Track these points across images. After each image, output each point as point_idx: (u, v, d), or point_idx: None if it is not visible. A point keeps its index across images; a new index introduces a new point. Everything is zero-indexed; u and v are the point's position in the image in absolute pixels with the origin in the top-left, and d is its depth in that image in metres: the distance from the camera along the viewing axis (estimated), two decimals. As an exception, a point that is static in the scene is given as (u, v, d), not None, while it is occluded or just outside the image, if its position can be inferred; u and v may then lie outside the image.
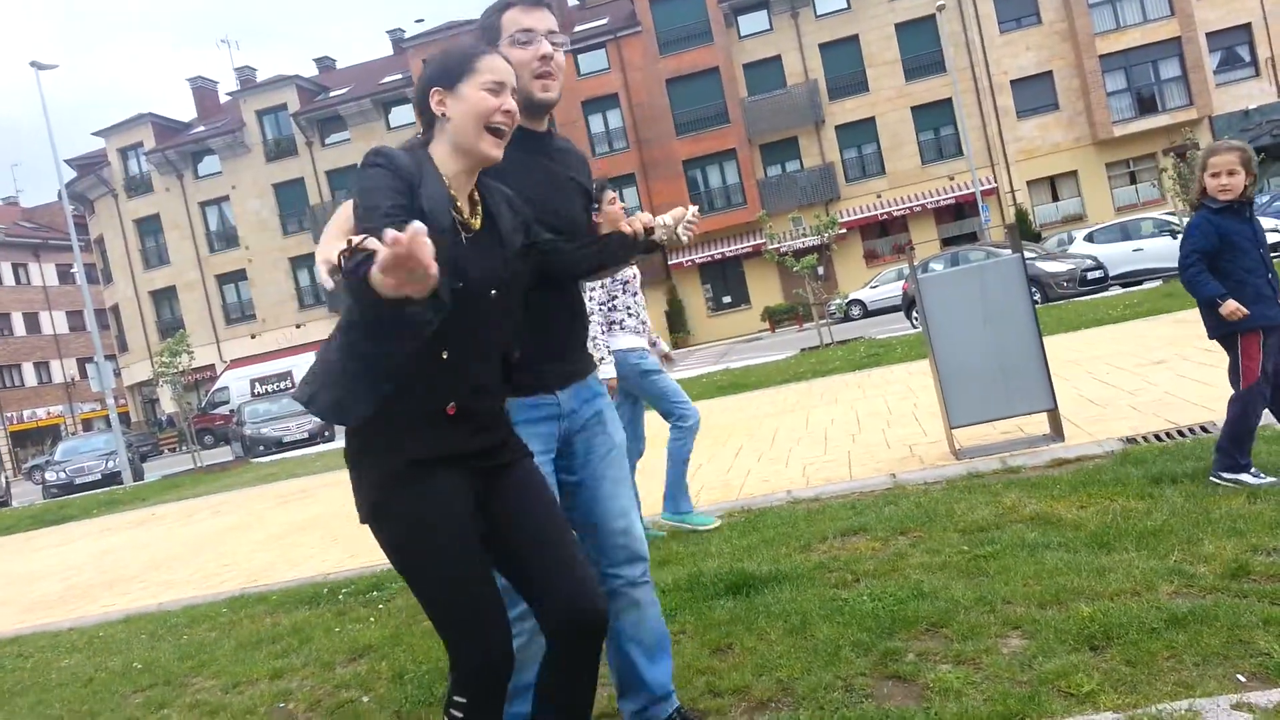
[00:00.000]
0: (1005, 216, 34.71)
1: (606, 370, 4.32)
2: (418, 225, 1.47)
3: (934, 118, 35.74)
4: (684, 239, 2.33)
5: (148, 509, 13.43)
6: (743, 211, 35.85)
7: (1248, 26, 33.71)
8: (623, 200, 4.58)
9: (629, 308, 4.58)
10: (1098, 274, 18.59)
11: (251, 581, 5.90)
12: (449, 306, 1.77)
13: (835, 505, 4.66)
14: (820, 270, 21.16)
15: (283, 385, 34.08)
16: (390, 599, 4.61)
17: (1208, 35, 33.70)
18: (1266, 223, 18.06)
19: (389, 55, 45.53)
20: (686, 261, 36.65)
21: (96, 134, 42.83)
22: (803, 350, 17.33)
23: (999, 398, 5.05)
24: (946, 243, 34.00)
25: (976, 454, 5.14)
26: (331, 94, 41.49)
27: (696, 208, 2.36)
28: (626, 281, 4.58)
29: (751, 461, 6.46)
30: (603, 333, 4.46)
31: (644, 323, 4.69)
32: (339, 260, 1.65)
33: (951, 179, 35.36)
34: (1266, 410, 3.86)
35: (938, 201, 35.13)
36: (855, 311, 28.84)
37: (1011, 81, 35.17)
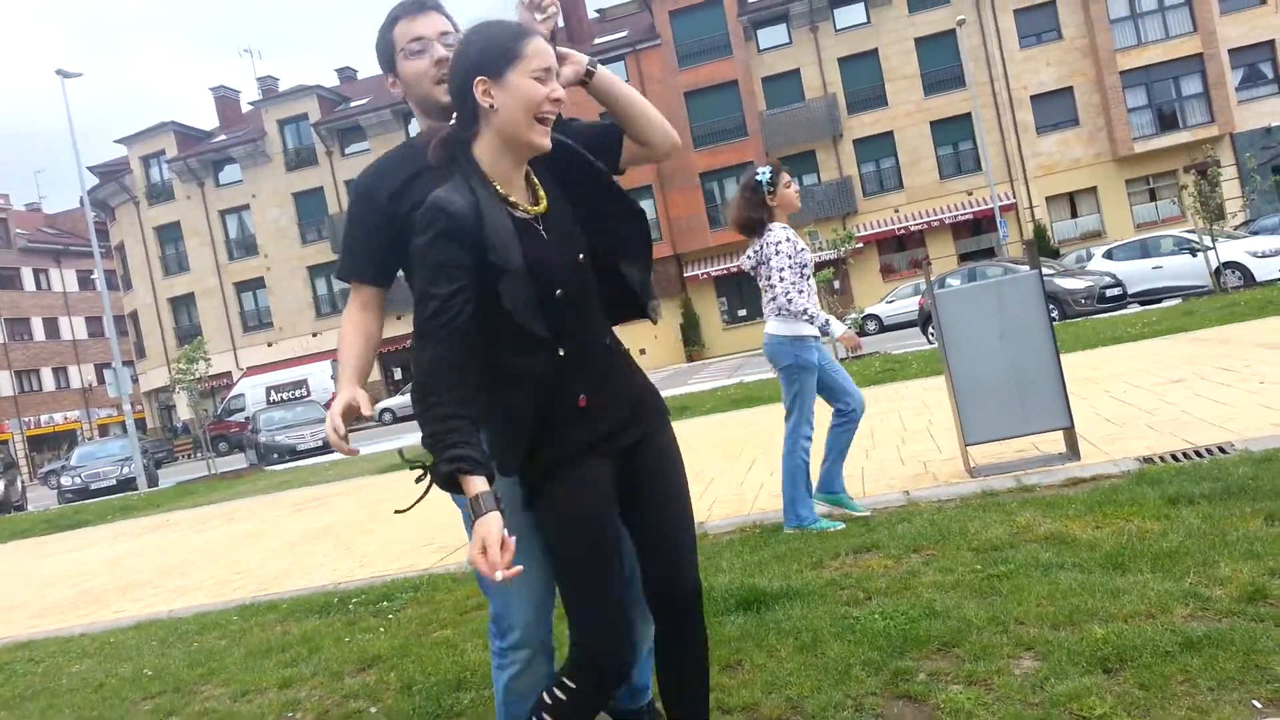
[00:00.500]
0: (1024, 232, 34.58)
1: (837, 327, 4.46)
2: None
3: (953, 133, 35.68)
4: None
5: (162, 515, 13.50)
6: (759, 225, 35.83)
7: (1270, 44, 33.54)
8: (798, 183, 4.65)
9: (803, 292, 4.54)
10: (1116, 291, 18.47)
11: (263, 589, 5.91)
12: (557, 359, 1.87)
13: (848, 521, 4.64)
14: (836, 284, 21.12)
15: (297, 393, 34.24)
16: (400, 609, 4.61)
17: (1230, 52, 33.54)
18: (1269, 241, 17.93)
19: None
20: (701, 274, 36.67)
21: (119, 141, 43.31)
22: (818, 364, 17.24)
23: (1015, 415, 5.01)
24: (964, 258, 33.91)
25: (991, 472, 5.10)
26: (352, 104, 41.80)
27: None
28: (804, 266, 4.55)
29: (764, 476, 6.44)
30: (776, 316, 4.54)
31: (815, 305, 4.60)
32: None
33: (970, 194, 35.27)
34: None
35: (955, 217, 35.03)
36: (871, 326, 28.75)
37: (1031, 97, 35.09)
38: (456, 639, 3.90)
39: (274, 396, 34.34)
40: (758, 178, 4.65)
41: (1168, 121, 34.05)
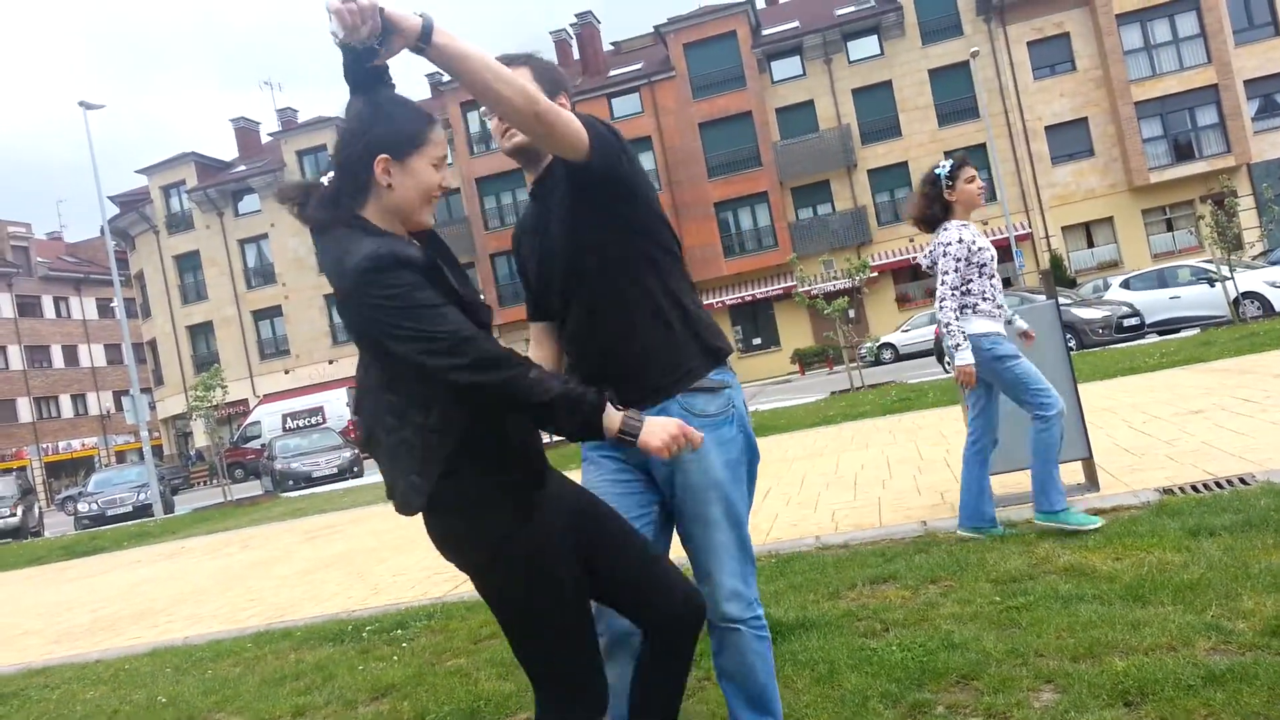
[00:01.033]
0: (1040, 262, 34.50)
1: (963, 357, 4.19)
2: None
3: (967, 163, 35.75)
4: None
5: (177, 542, 13.53)
6: (774, 254, 35.91)
7: (1286, 74, 33.55)
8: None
9: (984, 291, 4.29)
10: (1134, 321, 18.37)
11: (277, 617, 5.91)
12: None
13: (865, 552, 4.60)
14: (851, 313, 21.10)
15: (313, 420, 34.35)
16: (414, 638, 4.59)
17: (1246, 83, 33.53)
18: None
19: (427, 98, 46.37)
20: (717, 303, 36.70)
21: (140, 172, 43.90)
22: (833, 393, 17.23)
23: (1032, 445, 4.97)
24: (979, 288, 33.83)
25: (1009, 503, 5.06)
26: (370, 135, 42.23)
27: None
28: (984, 265, 4.31)
29: (780, 505, 6.40)
30: (956, 318, 4.27)
31: (999, 306, 4.36)
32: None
33: (985, 224, 35.23)
34: None
35: (971, 246, 35.03)
36: (887, 355, 28.68)
37: (1046, 128, 35.14)
38: (470, 668, 3.89)
39: (290, 424, 34.46)
40: (937, 171, 4.42)
41: (1183, 152, 34.01)
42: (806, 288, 20.92)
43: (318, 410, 35.52)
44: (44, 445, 50.92)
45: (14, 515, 25.43)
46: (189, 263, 42.96)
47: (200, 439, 40.63)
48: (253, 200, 41.89)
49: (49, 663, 5.77)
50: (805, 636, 3.42)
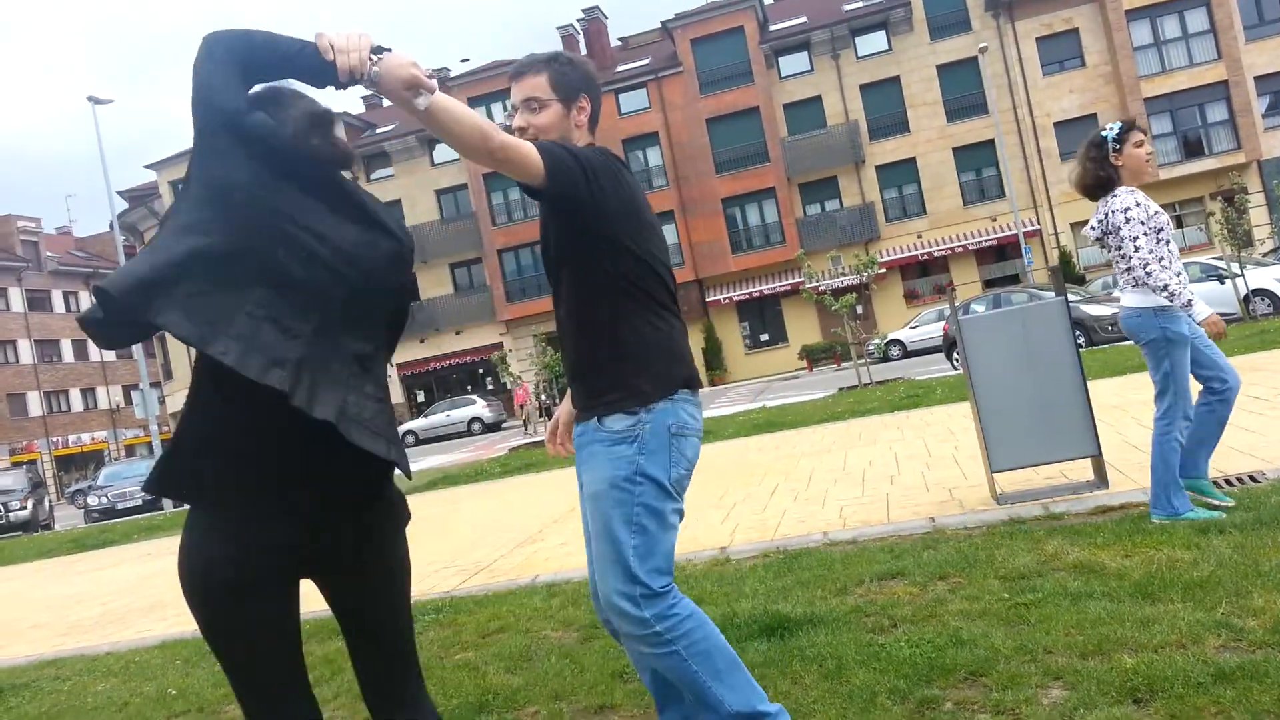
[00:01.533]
0: (1048, 258, 34.41)
1: (1202, 309, 3.97)
2: None
3: (976, 159, 35.64)
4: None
5: (187, 535, 13.54)
6: (781, 250, 35.86)
7: (1297, 71, 33.36)
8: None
9: (1162, 259, 4.04)
10: (1143, 318, 18.28)
11: (286, 610, 5.92)
12: None
13: (873, 548, 4.60)
14: (859, 309, 21.10)
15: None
16: (422, 632, 4.61)
17: (1256, 79, 33.35)
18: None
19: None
20: (724, 299, 36.69)
21: (149, 167, 44.00)
22: (841, 390, 17.22)
23: (1041, 442, 4.97)
24: (989, 284, 33.76)
25: (1018, 499, 5.06)
26: (378, 130, 42.29)
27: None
28: (1160, 229, 4.06)
29: (788, 501, 6.41)
30: (1132, 287, 4.07)
31: (1178, 274, 4.03)
32: None
33: (994, 220, 35.17)
34: None
35: (980, 242, 34.92)
36: (894, 352, 28.63)
37: (1055, 124, 35.02)
38: (478, 661, 3.90)
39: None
40: (1104, 133, 4.23)
41: (1193, 148, 33.85)
42: (814, 284, 20.89)
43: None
44: (54, 439, 51.12)
45: (24, 508, 25.57)
46: (198, 257, 43.02)
47: (208, 433, 40.73)
48: (260, 195, 42.00)
49: (60, 654, 5.80)
50: (813, 632, 3.42)
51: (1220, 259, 18.46)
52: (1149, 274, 3.99)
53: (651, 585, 2.24)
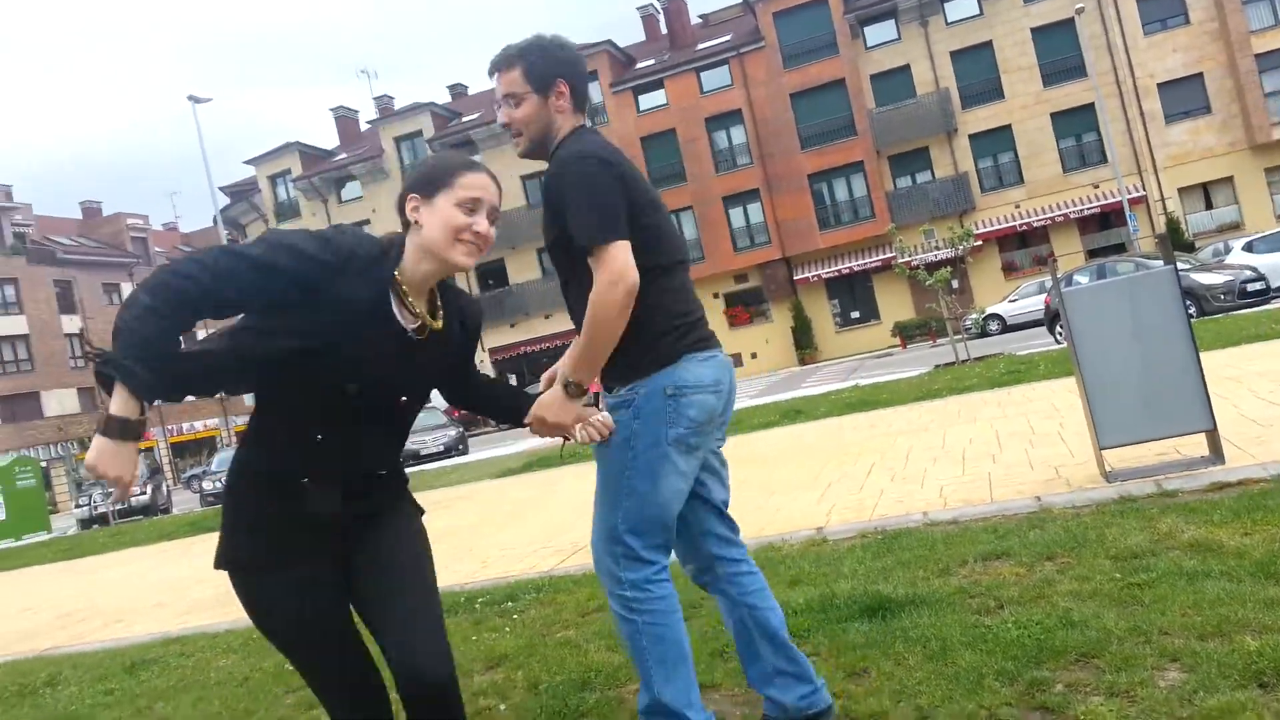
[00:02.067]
0: (1155, 226, 32.99)
1: None
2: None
3: (1075, 124, 34.33)
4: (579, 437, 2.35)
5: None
6: (871, 225, 35.23)
7: None
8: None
9: None
10: (1258, 286, 17.44)
11: (392, 590, 6.11)
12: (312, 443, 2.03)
13: (975, 528, 4.51)
14: (955, 284, 20.60)
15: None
16: (524, 610, 4.71)
17: (1382, 27, 31.31)
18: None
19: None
20: (813, 277, 36.24)
21: (248, 162, 45.54)
22: (937, 366, 16.86)
23: (1152, 417, 4.79)
24: (1092, 254, 32.55)
25: (1128, 476, 4.89)
26: (464, 119, 42.92)
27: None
28: None
29: (885, 481, 6.32)
30: None
31: None
32: None
33: (1096, 187, 33.86)
34: None
35: (1081, 211, 33.69)
36: (993, 326, 27.89)
37: (1158, 85, 33.48)
38: (579, 640, 3.97)
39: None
40: None
41: (1311, 104, 31.99)
42: (906, 258, 20.47)
43: (422, 390, 36.49)
44: (169, 427, 53.61)
45: (144, 493, 26.94)
46: (296, 250, 44.43)
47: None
48: (354, 187, 43.07)
49: (183, 632, 6.10)
50: (916, 613, 3.38)
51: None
52: None
53: (633, 547, 2.31)
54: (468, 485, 12.94)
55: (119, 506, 25.68)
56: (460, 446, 23.97)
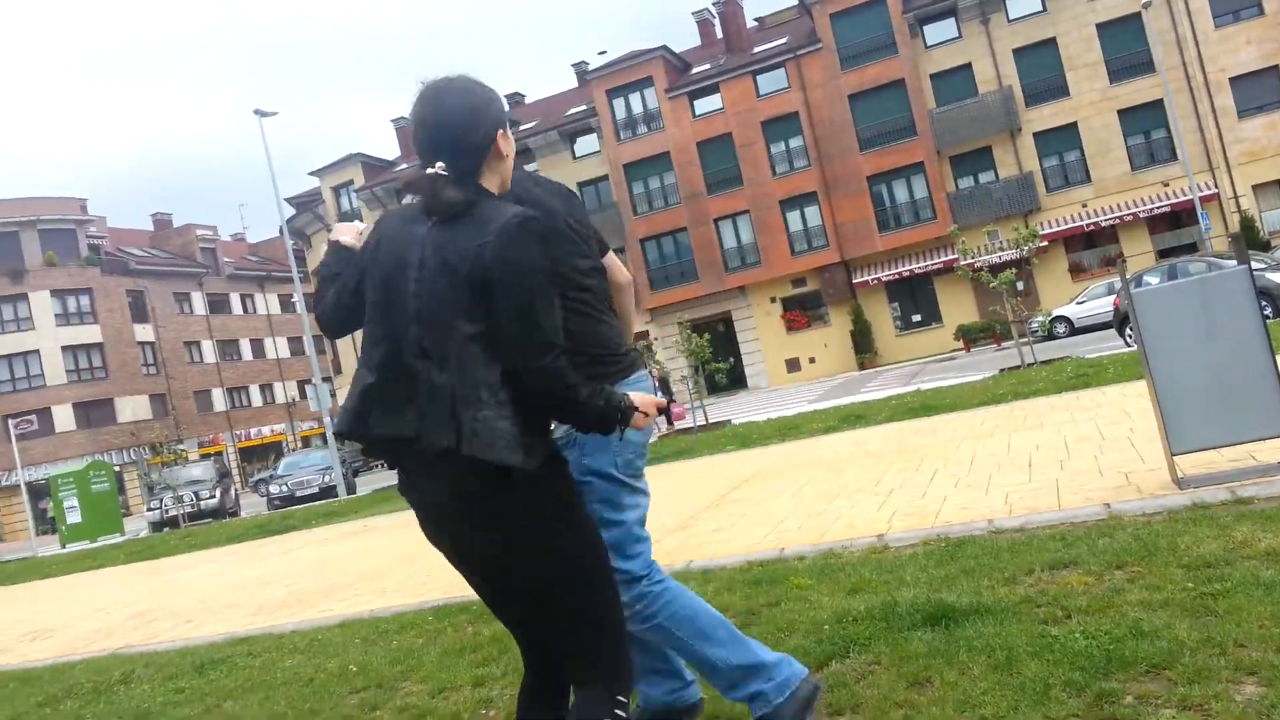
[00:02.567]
0: (1228, 224, 32.00)
1: None
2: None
3: (1143, 121, 33.47)
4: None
5: (360, 521, 14.35)
6: (932, 226, 34.74)
7: None
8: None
9: None
10: (1339, 284, 16.81)
11: (453, 593, 6.18)
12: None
13: (1042, 536, 4.41)
14: (1020, 285, 20.19)
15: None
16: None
17: None
18: None
19: (574, 88, 47.11)
20: (872, 280, 35.84)
21: (312, 174, 46.54)
22: (1002, 370, 16.55)
23: (1226, 422, 4.65)
24: (1163, 254, 31.68)
25: (1202, 483, 4.74)
26: (521, 127, 43.33)
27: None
28: None
29: (948, 487, 6.22)
30: None
31: None
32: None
33: (1166, 185, 32.97)
34: None
35: (1151, 210, 32.82)
36: (1060, 329, 27.29)
37: (1230, 79, 32.49)
38: (639, 646, 3.97)
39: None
40: None
41: (1396, 96, 30.77)
42: (969, 260, 20.13)
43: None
44: (237, 432, 54.97)
45: (213, 497, 27.64)
46: (359, 258, 45.28)
47: (374, 424, 42.91)
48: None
49: (250, 632, 6.24)
50: (980, 622, 3.32)
51: None
52: None
53: (623, 569, 2.36)
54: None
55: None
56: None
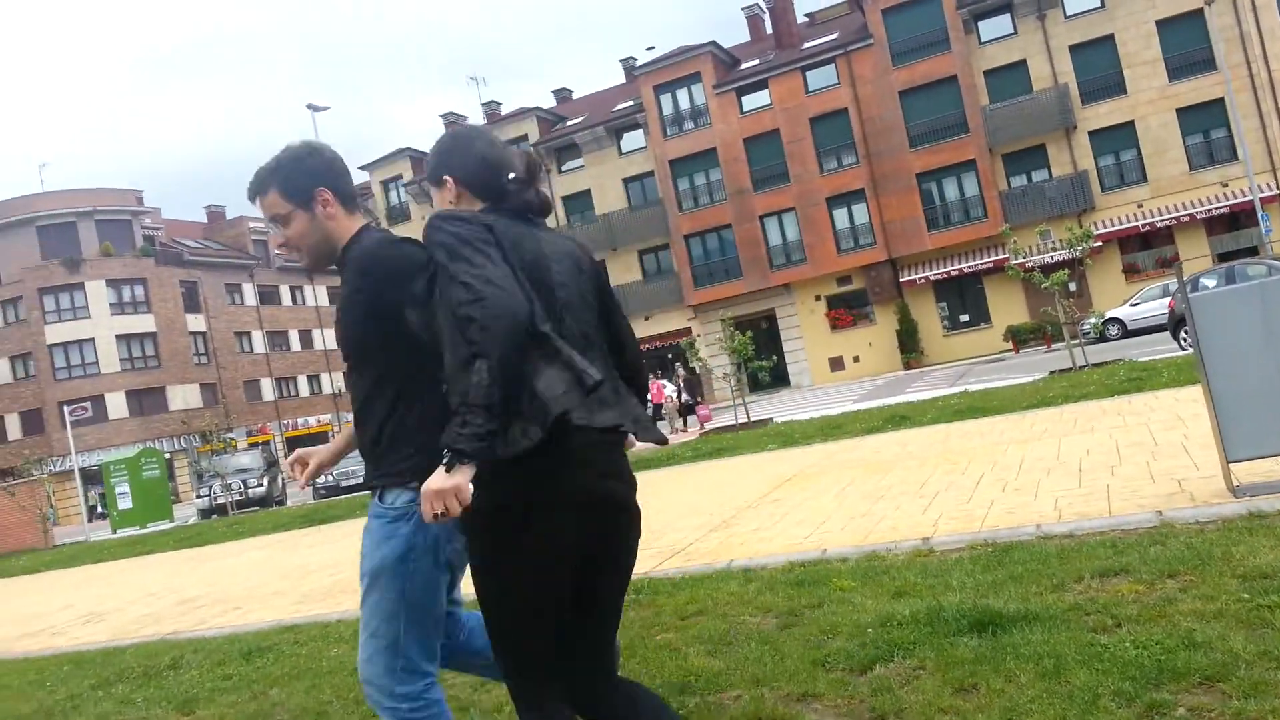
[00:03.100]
0: (1290, 226, 31.12)
1: None
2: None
3: (1203, 120, 32.65)
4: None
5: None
6: (983, 225, 34.23)
7: None
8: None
9: None
10: None
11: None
12: None
13: (1092, 543, 4.33)
14: (1072, 286, 19.82)
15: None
16: (624, 612, 4.72)
17: None
18: None
19: (621, 83, 47.13)
20: (919, 279, 35.42)
21: (362, 168, 47.08)
22: (1052, 373, 16.27)
23: (1286, 429, 4.52)
24: (1222, 257, 30.88)
25: (1258, 491, 4.62)
26: (568, 123, 43.46)
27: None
28: None
29: (995, 491, 6.12)
30: None
31: None
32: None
33: (1225, 186, 32.15)
34: None
35: (1209, 211, 32.03)
36: (1113, 331, 26.75)
37: (1296, 76, 31.57)
38: (679, 643, 3.96)
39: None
40: None
41: None
42: (1020, 260, 19.77)
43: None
44: (285, 422, 55.85)
45: (261, 485, 28.13)
46: (407, 251, 45.78)
47: (419, 417, 43.36)
48: (463, 190, 44.07)
49: (296, 620, 6.33)
50: (1028, 629, 3.26)
51: None
52: None
53: (413, 659, 2.30)
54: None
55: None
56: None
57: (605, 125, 40.42)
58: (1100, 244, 30.17)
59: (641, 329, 40.00)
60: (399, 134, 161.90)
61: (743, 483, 9.31)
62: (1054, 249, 24.97)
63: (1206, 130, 32.72)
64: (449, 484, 1.83)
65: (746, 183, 37.76)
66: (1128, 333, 26.36)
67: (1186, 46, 32.56)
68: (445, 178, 2.29)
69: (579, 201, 41.07)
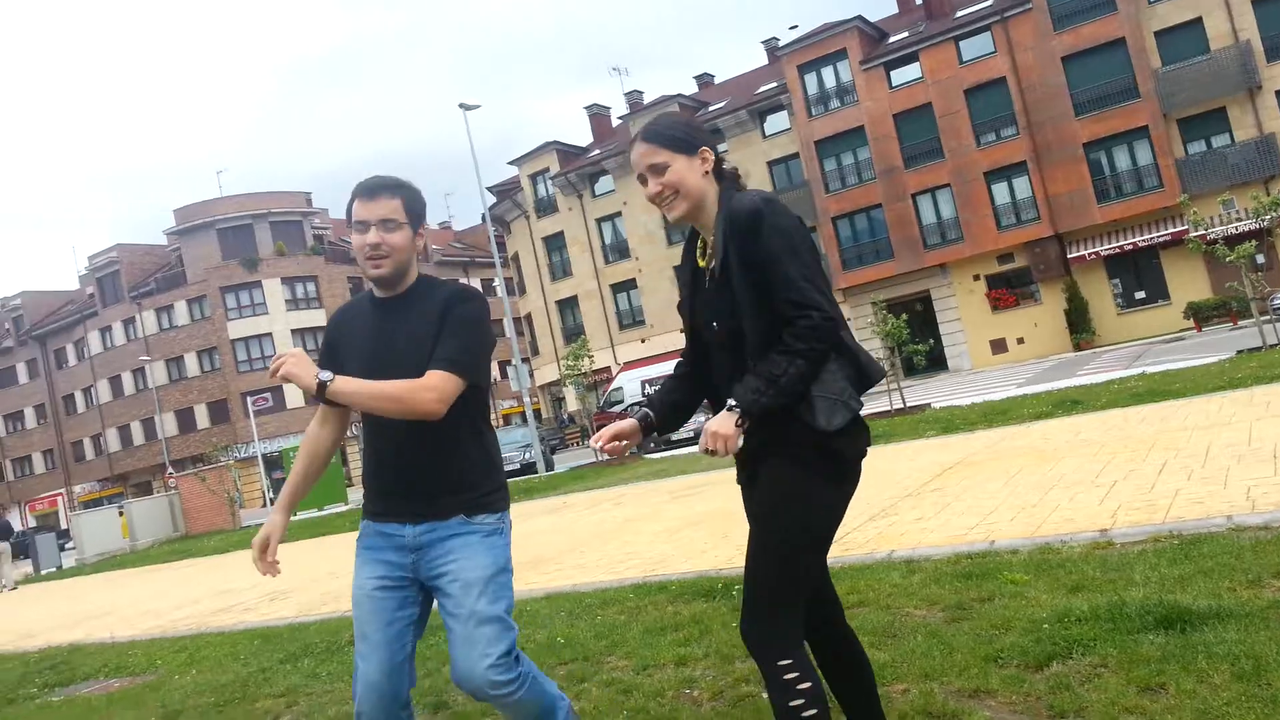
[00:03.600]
0: None
1: None
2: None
3: None
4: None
5: (559, 497, 14.88)
6: (1158, 195, 32.11)
7: None
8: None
9: None
10: None
11: (652, 570, 6.30)
12: None
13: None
14: (1260, 259, 18.38)
15: (671, 386, 36.18)
16: (783, 600, 4.69)
17: None
18: None
19: (764, 65, 46.57)
20: (1089, 254, 33.53)
21: (511, 163, 48.37)
22: (1240, 352, 15.13)
23: None
24: None
25: None
26: (710, 108, 43.28)
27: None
28: None
29: (1180, 480, 5.75)
30: None
31: None
32: None
33: None
34: None
35: None
36: (1306, 305, 24.65)
37: None
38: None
39: (649, 389, 36.51)
40: None
41: None
42: (1201, 232, 18.50)
43: (674, 376, 37.38)
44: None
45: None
46: (555, 243, 46.80)
47: (571, 404, 44.32)
48: (607, 181, 44.62)
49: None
50: (1221, 627, 3.06)
51: None
52: None
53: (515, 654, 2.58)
54: (719, 471, 13.07)
55: None
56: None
57: (748, 108, 40.05)
58: (1292, 211, 27.80)
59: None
60: (545, 128, 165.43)
61: (901, 470, 9.08)
62: (1238, 219, 23.24)
63: None
64: (734, 432, 2.12)
65: (897, 160, 36.67)
66: (1325, 307, 24.21)
67: (1394, -11, 29.51)
68: (705, 149, 2.38)
69: (724, 187, 40.87)
